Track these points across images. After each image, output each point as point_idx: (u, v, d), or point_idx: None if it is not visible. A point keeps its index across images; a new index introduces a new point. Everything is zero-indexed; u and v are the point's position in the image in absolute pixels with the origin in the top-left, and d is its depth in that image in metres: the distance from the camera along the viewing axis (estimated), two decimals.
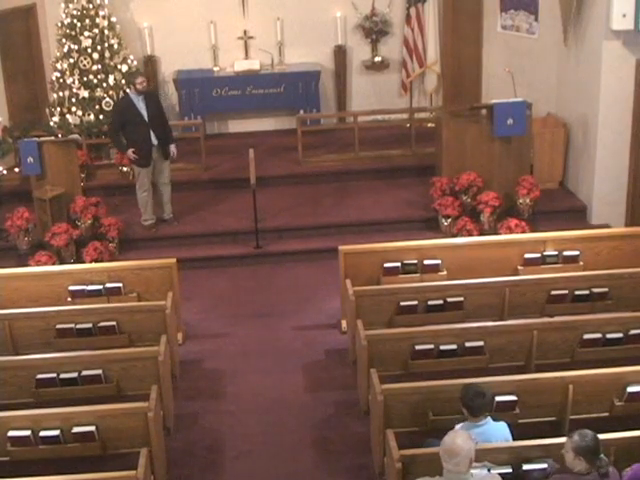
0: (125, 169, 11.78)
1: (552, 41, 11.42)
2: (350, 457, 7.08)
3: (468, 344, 7.31)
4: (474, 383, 6.28)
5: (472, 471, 5.34)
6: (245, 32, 13.29)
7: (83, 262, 9.76)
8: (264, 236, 10.51)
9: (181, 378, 8.18)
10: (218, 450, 7.24)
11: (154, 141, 10.31)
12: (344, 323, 8.74)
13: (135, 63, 12.50)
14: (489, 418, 6.06)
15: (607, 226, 10.37)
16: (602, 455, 5.32)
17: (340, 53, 13.49)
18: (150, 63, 13.20)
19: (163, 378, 7.21)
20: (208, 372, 8.31)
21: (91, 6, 12.01)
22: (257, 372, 8.27)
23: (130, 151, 10.29)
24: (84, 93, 11.95)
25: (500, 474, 5.59)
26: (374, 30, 13.43)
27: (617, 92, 10.31)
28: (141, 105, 10.23)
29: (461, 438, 5.31)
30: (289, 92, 13.06)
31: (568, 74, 11.27)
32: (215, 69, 13.33)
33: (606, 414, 6.76)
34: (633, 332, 7.41)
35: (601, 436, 5.55)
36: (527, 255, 8.69)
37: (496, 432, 6.05)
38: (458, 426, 6.09)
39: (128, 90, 10.65)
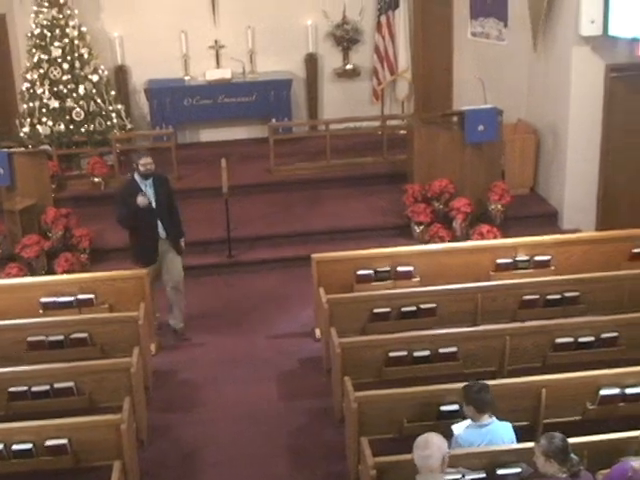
0: (96, 179, 11.73)
1: (522, 48, 11.50)
2: (325, 465, 7.07)
3: (441, 350, 7.32)
4: (476, 380, 6.28)
5: (446, 477, 5.35)
6: (216, 41, 13.30)
7: (54, 274, 9.69)
8: (237, 245, 10.49)
9: (154, 389, 8.14)
10: (192, 461, 7.20)
11: (162, 234, 8.67)
12: (318, 331, 8.74)
13: (106, 73, 12.46)
14: (494, 418, 6.03)
15: (578, 231, 10.44)
16: (572, 455, 5.34)
17: (311, 61, 13.53)
18: (121, 73, 13.19)
19: (136, 390, 7.16)
20: (182, 383, 8.28)
21: (61, 16, 11.97)
22: (231, 382, 8.24)
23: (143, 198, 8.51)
24: (54, 103, 11.90)
25: (474, 479, 5.60)
26: (345, 38, 13.49)
27: (587, 98, 10.40)
28: (149, 191, 8.56)
29: (437, 436, 5.32)
30: (261, 101, 13.08)
31: (538, 80, 11.36)
32: (186, 78, 13.33)
33: (579, 418, 6.80)
34: (604, 336, 7.46)
35: (574, 440, 5.58)
36: (499, 260, 8.73)
37: (503, 432, 6.04)
38: (462, 426, 6.07)
39: (135, 174, 8.63)
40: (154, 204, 8.58)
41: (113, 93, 12.47)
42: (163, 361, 8.60)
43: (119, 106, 12.46)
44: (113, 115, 12.26)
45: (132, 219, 8.52)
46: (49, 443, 6.38)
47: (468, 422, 6.08)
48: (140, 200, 8.42)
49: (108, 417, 6.54)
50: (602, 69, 10.34)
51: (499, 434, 6.00)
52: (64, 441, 6.38)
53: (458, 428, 6.14)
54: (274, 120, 12.79)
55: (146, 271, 8.59)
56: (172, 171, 11.86)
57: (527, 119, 11.66)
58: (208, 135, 13.58)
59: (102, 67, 12.39)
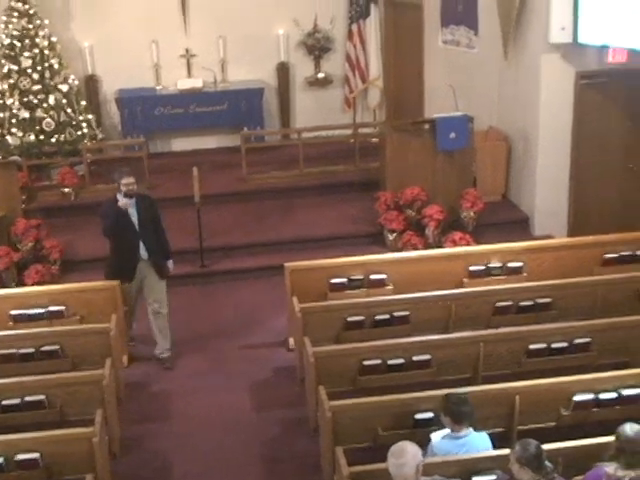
0: (67, 190, 11.63)
1: (492, 55, 11.54)
2: (300, 475, 7.03)
3: (415, 358, 7.31)
4: (455, 392, 6.28)
5: None
6: (187, 50, 13.26)
7: (25, 286, 9.57)
8: (209, 255, 10.43)
9: (127, 401, 8.05)
10: (165, 473, 7.13)
11: (143, 254, 8.44)
12: (291, 340, 8.69)
13: (76, 82, 12.37)
14: (471, 429, 6.01)
15: (549, 237, 10.49)
16: (547, 462, 5.34)
17: (283, 70, 13.51)
18: (91, 82, 13.10)
19: (108, 402, 7.08)
20: (155, 394, 8.21)
21: (31, 26, 11.87)
22: (204, 393, 8.18)
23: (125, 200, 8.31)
24: (24, 114, 11.79)
25: None
26: (317, 47, 13.50)
27: (557, 105, 10.46)
28: (131, 211, 8.34)
29: (412, 444, 5.30)
30: (232, 110, 13.04)
31: (508, 88, 11.40)
32: (158, 88, 13.26)
33: (553, 424, 6.81)
34: (577, 341, 7.49)
35: (548, 446, 5.58)
36: (472, 268, 8.75)
37: (480, 443, 6.02)
38: (438, 436, 6.05)
39: (117, 195, 8.34)
40: (137, 225, 8.36)
41: (84, 103, 12.37)
42: (135, 373, 8.52)
43: (90, 116, 12.37)
44: (84, 125, 12.16)
45: (116, 229, 8.31)
46: (20, 457, 6.28)
47: (447, 431, 6.06)
48: (122, 203, 8.21)
49: (80, 430, 6.45)
50: (572, 76, 10.40)
51: (475, 445, 5.98)
52: (35, 455, 6.29)
53: (436, 436, 6.12)
54: (246, 129, 12.75)
55: (120, 286, 8.44)
56: (144, 181, 11.78)
57: (498, 126, 11.70)
58: (180, 144, 13.51)
59: (72, 77, 12.30)
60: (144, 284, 8.56)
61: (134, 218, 8.37)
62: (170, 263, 8.73)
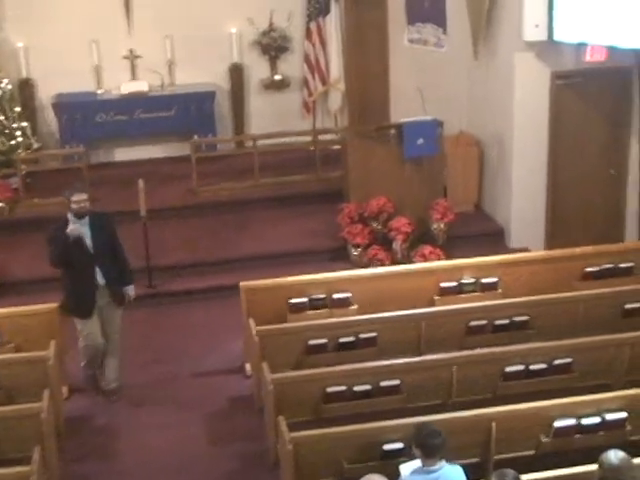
0: (0, 204, 11.51)
1: (462, 55, 11.65)
2: None
3: (383, 383, 7.32)
4: (427, 421, 6.29)
5: None
6: (131, 51, 13.20)
7: None
8: (158, 274, 10.39)
9: (68, 437, 7.96)
10: None
11: (100, 281, 8.20)
12: (248, 366, 8.67)
13: (10, 87, 12.27)
14: (444, 462, 5.99)
15: (526, 250, 10.57)
16: None
17: (236, 72, 13.51)
18: (26, 87, 12.99)
19: (47, 438, 7.01)
20: (98, 429, 8.14)
21: None
22: (153, 426, 8.12)
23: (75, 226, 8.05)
24: None
25: None
26: (272, 46, 13.51)
27: (531, 107, 10.57)
28: (84, 233, 8.08)
29: (380, 477, 5.30)
30: (181, 115, 13.02)
31: (480, 89, 11.51)
32: (99, 92, 13.19)
33: (532, 452, 6.84)
34: (557, 362, 7.54)
35: (527, 477, 5.61)
36: (443, 284, 8.78)
37: (453, 477, 6.01)
38: (408, 468, 6.03)
39: (68, 214, 8.09)
40: (91, 249, 8.10)
41: (18, 109, 12.28)
42: (77, 405, 8.44)
43: (24, 123, 12.27)
44: (18, 133, 12.05)
45: (66, 257, 8.00)
46: None
47: (418, 462, 6.06)
48: (71, 229, 7.93)
49: (17, 470, 6.37)
50: (547, 76, 10.53)
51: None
52: None
53: (406, 469, 6.12)
54: (196, 136, 12.71)
55: (87, 326, 8.22)
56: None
57: (469, 130, 11.80)
58: (124, 154, 13.43)
59: (5, 81, 12.20)
60: (102, 314, 8.33)
61: (88, 241, 8.09)
62: (131, 289, 8.49)
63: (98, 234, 8.17)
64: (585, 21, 9.78)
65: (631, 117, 10.83)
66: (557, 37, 10.12)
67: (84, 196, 8.09)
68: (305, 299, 8.58)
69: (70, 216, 8.07)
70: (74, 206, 8.03)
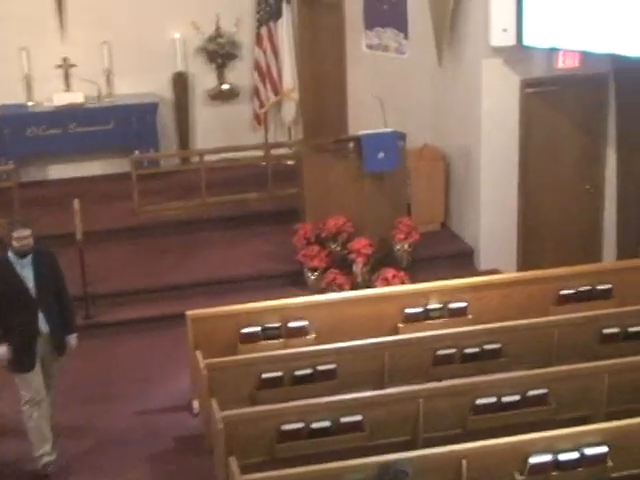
0: None
1: (425, 61, 11.73)
2: None
3: (344, 419, 7.30)
4: (392, 460, 6.26)
5: None
6: (65, 59, 13.13)
7: None
8: (96, 303, 10.35)
9: None
10: None
11: (43, 328, 7.84)
12: (196, 404, 8.63)
13: None
14: None
15: (497, 271, 10.62)
16: None
17: (180, 81, 13.50)
18: None
19: None
20: (29, 476, 8.02)
21: None
22: (91, 471, 8.04)
23: (3, 348, 7.81)
24: None
25: None
26: (219, 53, 13.52)
27: (500, 117, 10.67)
28: (26, 273, 7.74)
29: None
30: (120, 129, 12.97)
31: (445, 99, 11.59)
32: (29, 104, 13.10)
33: None
34: (532, 393, 7.57)
35: None
36: (408, 310, 8.80)
37: None
38: None
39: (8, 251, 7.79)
40: (34, 291, 7.74)
41: None
42: (5, 450, 8.32)
43: None
44: None
45: (6, 299, 7.66)
46: None
47: None
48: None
49: None
50: (517, 84, 10.64)
51: None
52: None
53: None
54: (137, 152, 12.67)
55: (28, 380, 7.84)
56: (13, 216, 11.58)
57: (434, 143, 11.87)
58: (58, 171, 13.34)
59: None
60: (43, 364, 7.97)
61: (30, 283, 7.75)
62: (73, 337, 8.15)
63: (42, 274, 7.83)
64: (557, 25, 9.90)
65: (607, 127, 10.97)
66: (527, 42, 10.24)
67: (27, 232, 7.74)
68: (258, 328, 8.55)
69: (11, 254, 7.76)
70: (16, 243, 7.69)
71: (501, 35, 10.30)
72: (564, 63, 10.41)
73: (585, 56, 10.23)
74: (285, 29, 13.25)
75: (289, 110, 13.62)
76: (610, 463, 6.88)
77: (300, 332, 8.61)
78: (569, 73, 10.55)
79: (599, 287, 9.16)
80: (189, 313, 8.60)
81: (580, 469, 6.84)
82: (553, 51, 10.29)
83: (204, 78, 13.68)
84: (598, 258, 11.21)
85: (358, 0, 12.57)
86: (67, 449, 8.33)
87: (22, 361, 7.85)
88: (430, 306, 8.87)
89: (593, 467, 6.86)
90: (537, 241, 11.14)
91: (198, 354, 8.21)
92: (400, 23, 12.21)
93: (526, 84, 10.66)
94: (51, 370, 8.13)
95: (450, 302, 8.89)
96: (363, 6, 12.59)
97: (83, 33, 13.11)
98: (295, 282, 10.75)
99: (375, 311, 8.79)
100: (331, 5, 12.96)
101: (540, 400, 7.58)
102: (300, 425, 7.26)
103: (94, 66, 13.13)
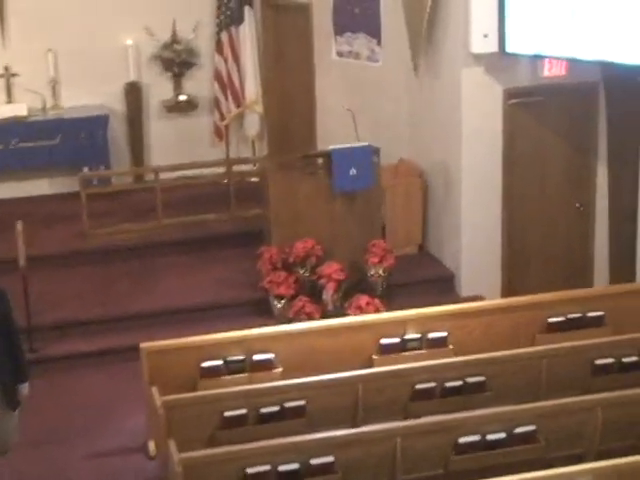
0: None
1: (400, 70, 11.79)
2: None
3: (314, 461, 7.28)
4: None
5: None
6: (6, 68, 13.12)
7: None
8: (41, 335, 10.27)
9: None
10: None
11: None
12: (152, 445, 8.61)
13: None
14: None
15: (480, 298, 10.66)
16: None
17: (133, 92, 13.50)
18: None
19: None
20: None
21: None
22: None
23: None
24: None
25: None
26: (176, 61, 13.54)
27: (482, 130, 10.72)
28: None
29: None
30: (68, 144, 12.95)
31: (422, 110, 11.65)
32: None
33: None
34: (519, 430, 7.59)
35: None
36: (383, 341, 8.81)
37: None
38: None
39: None
40: None
41: None
42: None
43: None
44: None
45: None
46: None
47: None
48: None
49: None
50: (499, 94, 10.70)
51: None
52: None
53: None
54: (86, 169, 12.66)
55: None
56: None
57: (411, 159, 11.92)
58: None
59: None
60: None
61: None
62: (25, 387, 7.73)
63: None
64: (542, 30, 9.97)
65: (597, 140, 11.05)
66: (510, 49, 10.30)
67: None
68: (220, 362, 8.54)
69: None
70: None
71: (482, 41, 10.36)
72: (550, 71, 10.49)
73: (573, 64, 10.31)
74: (248, 35, 13.29)
75: (252, 123, 13.64)
76: None
77: (266, 365, 8.60)
78: (556, 82, 10.63)
79: (590, 314, 9.20)
80: (144, 346, 8.56)
81: None
82: (538, 58, 10.36)
83: (159, 88, 13.68)
84: (589, 282, 11.28)
85: (327, 3, 12.60)
86: None
87: None
88: (407, 336, 8.88)
89: None
90: (523, 265, 11.20)
91: (154, 391, 8.17)
92: (373, 28, 12.24)
93: (509, 94, 10.72)
94: (7, 429, 7.70)
95: (429, 332, 8.91)
96: (332, 10, 12.61)
97: (26, 40, 13.09)
98: (260, 311, 10.75)
99: (348, 342, 8.79)
100: (298, 8, 13.01)
101: (528, 437, 7.60)
102: (266, 468, 7.23)
103: (39, 76, 13.14)
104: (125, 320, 10.62)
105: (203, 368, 8.51)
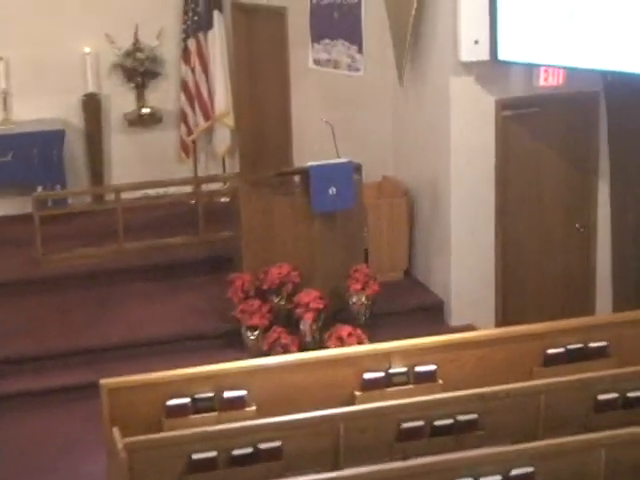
0: None
1: (384, 80, 11.82)
2: None
3: None
4: None
5: None
6: None
7: None
8: None
9: None
10: None
11: None
12: None
13: None
14: None
15: (472, 328, 10.66)
16: None
17: (92, 104, 13.51)
18: None
19: None
20: None
21: None
22: None
23: None
24: None
25: None
26: (139, 71, 13.57)
27: (473, 145, 10.75)
28: None
29: None
30: (20, 161, 12.97)
31: (407, 123, 11.67)
32: None
33: None
34: (516, 472, 7.55)
35: None
36: (366, 375, 8.78)
37: None
38: None
39: None
40: None
41: None
42: None
43: None
44: None
45: None
46: None
47: None
48: None
49: None
50: (492, 106, 10.73)
51: None
52: None
53: None
54: (40, 189, 12.63)
55: None
56: None
57: (395, 176, 11.96)
58: None
59: None
60: None
61: None
62: None
63: None
64: (538, 36, 10.00)
65: (598, 155, 11.09)
66: (502, 56, 10.33)
67: None
68: (187, 400, 8.50)
69: None
70: None
71: (472, 48, 10.38)
72: (546, 81, 10.53)
73: (571, 72, 10.35)
74: (217, 41, 13.31)
75: (222, 138, 13.66)
76: None
77: (238, 403, 8.57)
78: (552, 92, 10.67)
79: (593, 344, 9.21)
80: (104, 382, 8.50)
81: None
82: (533, 67, 10.40)
83: (121, 100, 13.70)
84: (591, 310, 11.31)
85: (303, 7, 12.61)
86: None
87: None
88: (393, 370, 8.86)
89: None
90: (519, 291, 11.22)
91: (115, 431, 8.11)
92: (353, 34, 12.24)
93: (502, 106, 10.75)
94: None
95: (416, 365, 8.89)
96: (309, 14, 12.62)
97: None
98: (231, 343, 10.73)
99: (328, 377, 8.76)
100: (272, 13, 13.05)
101: None
102: None
103: None
104: (83, 354, 10.59)
105: (169, 406, 8.47)
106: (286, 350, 10.10)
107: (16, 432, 9.77)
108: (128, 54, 13.52)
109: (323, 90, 12.68)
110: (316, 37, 12.68)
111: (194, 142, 13.60)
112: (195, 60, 13.34)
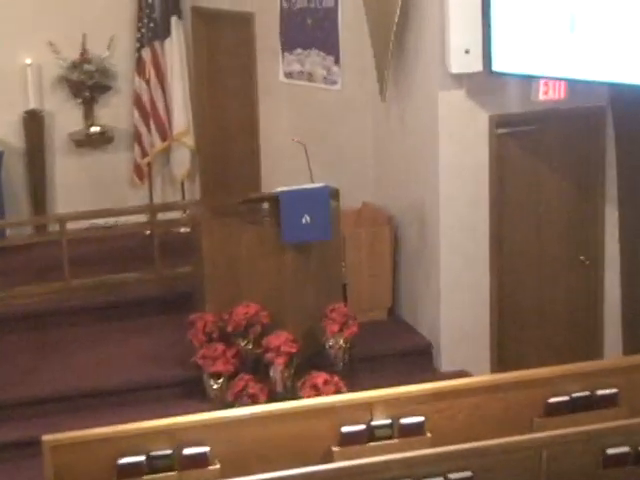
0: None
1: (363, 94, 11.85)
2: None
3: None
4: None
5: None
6: None
7: None
8: None
9: None
10: None
11: None
12: None
13: None
14: None
15: (464, 374, 10.66)
16: None
17: (34, 122, 13.53)
18: None
19: None
20: None
21: None
22: None
23: None
24: None
25: None
26: (87, 85, 13.58)
27: (464, 167, 10.76)
28: None
29: None
30: None
31: (390, 143, 11.69)
32: None
33: None
34: None
35: None
36: (345, 428, 8.76)
37: None
38: None
39: None
40: None
41: None
42: None
43: None
44: None
45: None
46: None
47: None
48: None
49: None
50: (485, 122, 10.76)
51: None
52: None
53: None
54: None
55: None
56: None
57: (377, 202, 11.96)
58: None
59: None
60: None
61: None
62: None
63: None
64: (536, 45, 10.04)
65: (605, 178, 11.13)
66: (497, 67, 10.37)
67: None
68: (141, 458, 8.45)
69: None
70: None
71: (463, 59, 10.39)
72: (546, 95, 10.56)
73: (573, 85, 10.39)
74: (175, 51, 13.37)
75: (181, 160, 13.67)
76: None
77: (200, 461, 8.53)
78: (553, 107, 10.71)
79: (600, 392, 9.21)
80: (47, 438, 8.45)
81: None
82: (532, 79, 10.44)
83: (66, 118, 13.72)
84: (598, 353, 11.32)
85: (273, 12, 12.64)
86: None
87: None
88: (375, 422, 8.84)
89: None
90: (517, 332, 11.23)
91: None
92: (329, 43, 12.28)
93: (497, 123, 10.79)
94: None
95: (402, 416, 8.88)
96: (280, 20, 12.65)
97: None
98: (192, 393, 10.70)
99: (301, 430, 8.74)
100: (237, 19, 13.08)
101: None
102: None
103: None
104: (24, 406, 10.53)
105: (121, 465, 8.42)
106: (254, 400, 10.08)
107: None
108: (75, 66, 13.52)
109: (295, 106, 12.71)
110: (287, 46, 12.71)
111: (149, 165, 13.62)
112: (150, 71, 13.34)
